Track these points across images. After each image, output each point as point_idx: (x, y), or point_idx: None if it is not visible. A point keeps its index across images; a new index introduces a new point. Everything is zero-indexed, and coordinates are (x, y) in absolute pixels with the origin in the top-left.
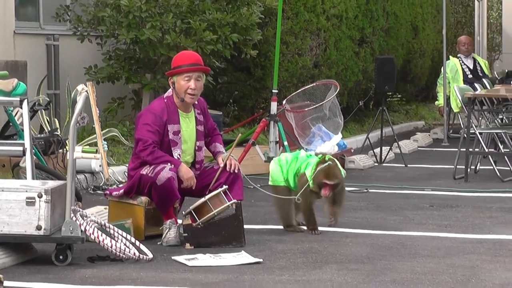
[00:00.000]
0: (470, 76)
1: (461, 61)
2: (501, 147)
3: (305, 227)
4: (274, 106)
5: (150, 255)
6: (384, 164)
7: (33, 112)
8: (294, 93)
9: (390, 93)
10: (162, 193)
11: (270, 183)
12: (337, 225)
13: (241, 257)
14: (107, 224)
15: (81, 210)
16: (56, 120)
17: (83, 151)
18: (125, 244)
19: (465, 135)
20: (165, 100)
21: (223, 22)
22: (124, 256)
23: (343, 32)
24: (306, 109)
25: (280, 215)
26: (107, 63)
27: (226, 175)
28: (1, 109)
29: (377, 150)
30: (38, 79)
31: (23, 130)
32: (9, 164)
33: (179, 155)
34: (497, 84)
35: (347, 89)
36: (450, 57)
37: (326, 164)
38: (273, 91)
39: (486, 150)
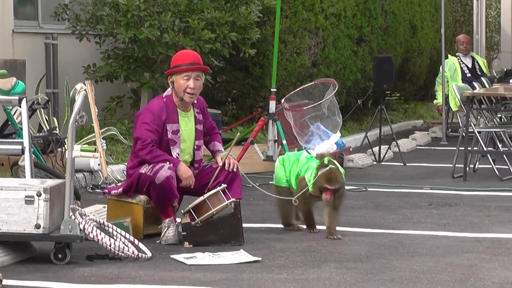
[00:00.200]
0: (468, 75)
1: (459, 60)
2: (499, 146)
3: (304, 226)
4: (272, 105)
5: (149, 254)
6: (382, 163)
7: (31, 111)
8: (292, 92)
9: (389, 92)
10: (161, 192)
11: (273, 182)
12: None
13: (240, 256)
14: (106, 223)
15: (80, 208)
16: (54, 119)
17: (81, 150)
18: (124, 243)
19: (464, 134)
20: (164, 99)
21: (222, 21)
22: (123, 254)
23: (342, 31)
24: (305, 107)
25: (280, 214)
26: (105, 62)
27: (225, 174)
28: (0, 108)
29: (376, 149)
30: (37, 78)
31: (21, 129)
32: (8, 163)
33: (178, 154)
34: (496, 83)
35: (346, 88)
36: (449, 56)
37: (327, 168)
38: (272, 90)
39: (485, 149)
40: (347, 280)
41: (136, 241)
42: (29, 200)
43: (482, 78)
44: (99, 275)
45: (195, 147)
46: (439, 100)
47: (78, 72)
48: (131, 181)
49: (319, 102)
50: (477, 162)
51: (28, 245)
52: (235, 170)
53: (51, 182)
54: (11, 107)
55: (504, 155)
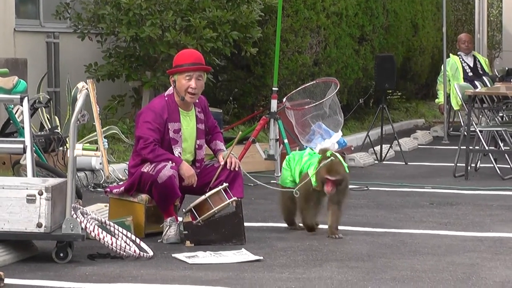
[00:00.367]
0: (470, 74)
1: (461, 59)
2: (501, 145)
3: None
4: (274, 104)
5: (151, 253)
6: (384, 162)
7: (33, 110)
8: (294, 91)
9: (390, 91)
10: (163, 191)
11: (279, 182)
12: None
13: (242, 255)
14: (107, 222)
15: (81, 207)
16: (56, 117)
17: (83, 149)
18: (125, 242)
19: (466, 133)
20: (166, 98)
21: (223, 20)
22: (124, 253)
23: (343, 30)
24: (306, 106)
25: (283, 212)
26: (107, 60)
27: (227, 173)
28: (1, 106)
29: (377, 148)
30: (39, 76)
31: (23, 128)
32: (9, 162)
33: (180, 153)
34: (497, 82)
35: (347, 87)
36: (450, 55)
37: (329, 160)
38: (273, 88)
39: (487, 148)
40: (348, 279)
41: (137, 240)
42: (30, 199)
43: (484, 77)
44: (100, 274)
45: (197, 146)
46: (440, 99)
47: (80, 71)
48: (133, 180)
49: (320, 101)
50: (479, 161)
51: (29, 244)
52: (236, 169)
53: (52, 181)
54: (12, 106)
55: (506, 154)
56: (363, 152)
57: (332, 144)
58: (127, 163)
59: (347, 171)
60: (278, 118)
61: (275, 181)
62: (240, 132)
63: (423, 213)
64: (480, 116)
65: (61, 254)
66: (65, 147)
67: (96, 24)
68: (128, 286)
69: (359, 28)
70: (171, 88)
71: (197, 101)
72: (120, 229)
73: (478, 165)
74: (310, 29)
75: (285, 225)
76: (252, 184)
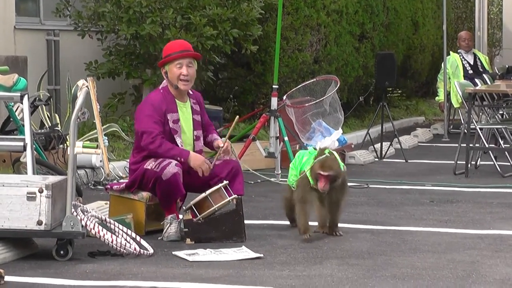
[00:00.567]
0: (470, 71)
1: (461, 57)
2: (501, 142)
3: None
4: (274, 102)
5: (151, 250)
6: (384, 160)
7: (33, 108)
8: (294, 89)
9: (390, 89)
10: (167, 188)
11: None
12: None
13: (242, 252)
14: (107, 219)
15: (81, 205)
16: (56, 115)
17: (83, 147)
18: (125, 239)
19: (466, 131)
20: (161, 91)
21: (224, 18)
22: (124, 251)
23: (344, 27)
24: (307, 104)
25: (285, 209)
26: (107, 58)
27: (227, 171)
28: (1, 104)
29: (378, 146)
30: (39, 74)
31: (23, 126)
32: (9, 159)
33: (181, 143)
34: (498, 79)
35: (348, 85)
36: (451, 52)
37: (324, 156)
38: (274, 86)
39: (487, 145)
40: (349, 276)
41: (138, 238)
42: (31, 197)
43: (484, 75)
44: (101, 271)
45: (194, 137)
46: (440, 97)
47: (80, 69)
48: (135, 177)
49: (321, 99)
50: (479, 159)
51: (30, 242)
52: (230, 156)
53: (53, 178)
54: (13, 103)
55: (506, 152)
56: (363, 150)
57: (332, 142)
58: (128, 160)
59: (343, 169)
60: (278, 116)
61: (275, 179)
62: (238, 117)
63: (423, 211)
64: (480, 113)
65: (62, 252)
66: (65, 144)
67: (96, 22)
68: (129, 283)
69: (359, 26)
70: (164, 81)
71: (191, 93)
72: (121, 226)
73: (478, 163)
74: (310, 27)
75: (286, 222)
76: (252, 182)
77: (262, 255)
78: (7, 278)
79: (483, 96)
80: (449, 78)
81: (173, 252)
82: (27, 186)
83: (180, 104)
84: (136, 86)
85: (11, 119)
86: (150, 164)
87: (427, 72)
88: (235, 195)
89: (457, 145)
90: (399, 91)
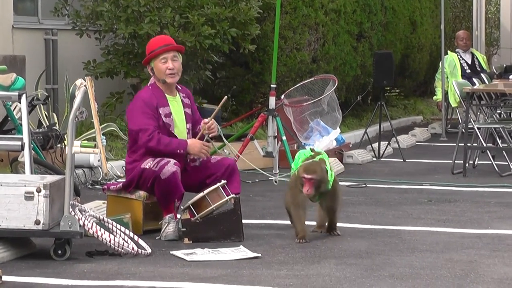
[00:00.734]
0: (468, 71)
1: (459, 56)
2: (499, 142)
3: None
4: (272, 101)
5: (149, 250)
6: (382, 159)
7: (31, 107)
8: (292, 88)
9: (388, 88)
10: (166, 187)
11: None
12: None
13: (240, 252)
14: (105, 219)
15: (79, 204)
16: (54, 114)
17: (81, 146)
18: (123, 239)
19: (463, 130)
20: (150, 88)
21: (222, 17)
22: (122, 250)
23: (342, 26)
24: (305, 103)
25: (287, 208)
26: (105, 57)
27: (223, 169)
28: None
29: (375, 145)
30: (37, 73)
31: (21, 125)
32: (7, 159)
33: (176, 136)
34: (495, 79)
35: (346, 84)
36: (448, 51)
37: (311, 160)
38: (272, 85)
39: (485, 145)
40: (347, 276)
41: (135, 237)
42: (28, 196)
43: (482, 74)
44: (98, 271)
45: (187, 130)
46: (438, 96)
47: (78, 68)
48: (132, 177)
49: (319, 98)
50: (477, 158)
51: (27, 241)
52: (214, 132)
53: (50, 178)
54: (10, 103)
55: (504, 151)
56: (361, 149)
57: (330, 141)
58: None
59: (331, 176)
60: (276, 115)
61: (272, 178)
62: (226, 97)
63: (421, 210)
64: (478, 113)
65: (59, 251)
66: (63, 144)
67: (95, 21)
68: (126, 283)
69: (357, 25)
70: (152, 78)
71: (179, 88)
72: (118, 226)
73: (476, 162)
74: (308, 26)
75: (283, 222)
76: (250, 181)
77: (260, 254)
78: (5, 278)
79: (481, 95)
80: (447, 77)
81: (171, 252)
82: (25, 186)
83: (170, 98)
84: (134, 86)
85: (9, 118)
86: (148, 164)
87: (425, 72)
88: (233, 195)
89: (455, 144)
90: (397, 91)
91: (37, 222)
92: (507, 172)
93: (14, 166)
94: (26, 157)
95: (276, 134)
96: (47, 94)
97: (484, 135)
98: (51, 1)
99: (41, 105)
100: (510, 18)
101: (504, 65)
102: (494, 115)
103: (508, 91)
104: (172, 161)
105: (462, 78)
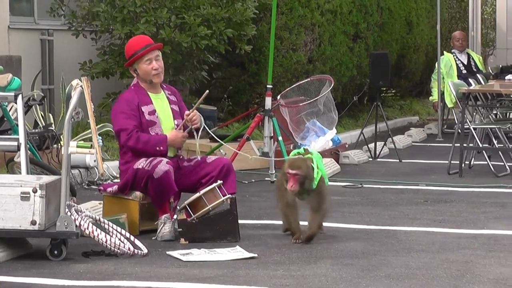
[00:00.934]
0: (464, 71)
1: (455, 57)
2: (495, 142)
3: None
4: (268, 101)
5: (145, 250)
6: (378, 159)
7: (27, 107)
8: (288, 88)
9: (384, 88)
10: (159, 186)
11: None
12: (316, 234)
13: (236, 252)
14: (101, 219)
15: (75, 205)
16: (50, 115)
17: (77, 146)
18: (119, 239)
19: (460, 131)
20: (133, 88)
21: (218, 17)
22: (118, 251)
23: (338, 27)
24: (301, 104)
25: (282, 218)
26: (101, 58)
27: (219, 169)
28: None
29: (372, 145)
30: (33, 74)
31: (17, 125)
32: (3, 159)
33: (159, 134)
34: (491, 79)
35: (342, 84)
36: (444, 52)
37: (296, 156)
38: (268, 86)
39: (481, 145)
40: (343, 276)
41: (132, 238)
42: (25, 197)
43: (478, 75)
44: (95, 271)
45: (175, 126)
46: (434, 96)
47: (74, 69)
48: (126, 179)
49: (315, 99)
50: (473, 159)
51: (24, 242)
52: (197, 124)
53: (47, 178)
54: (6, 103)
55: (500, 152)
56: (357, 150)
57: (326, 142)
58: None
59: (317, 175)
60: (272, 116)
61: (269, 179)
62: (207, 91)
63: (417, 211)
64: (474, 113)
65: (55, 252)
66: (59, 144)
67: (91, 22)
68: (123, 283)
69: (353, 26)
70: (134, 79)
71: (164, 86)
72: (115, 226)
73: (472, 163)
74: (304, 26)
75: (280, 222)
76: (246, 182)
77: (256, 255)
78: (1, 278)
79: (477, 96)
80: (443, 78)
81: (167, 252)
82: (21, 186)
83: (153, 95)
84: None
85: (5, 118)
86: (141, 164)
87: (421, 72)
88: (229, 195)
89: (451, 145)
90: (393, 91)
91: (33, 223)
92: (503, 172)
93: (10, 166)
94: (22, 158)
95: (272, 135)
96: (43, 95)
97: (480, 135)
98: (47, 1)
99: (37, 105)
100: (506, 19)
101: (500, 66)
102: (490, 116)
103: (504, 91)
104: (165, 160)
105: (458, 79)
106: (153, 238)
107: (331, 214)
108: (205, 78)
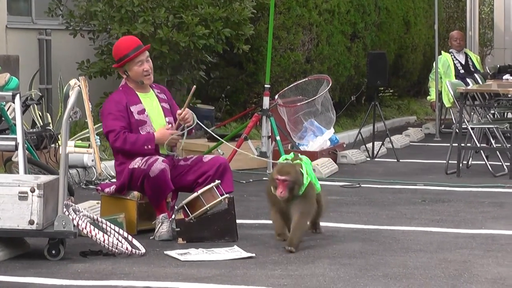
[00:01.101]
0: (462, 71)
1: (453, 56)
2: (493, 142)
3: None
4: (266, 101)
5: (143, 250)
6: (376, 159)
7: (25, 107)
8: (286, 88)
9: (382, 88)
10: (155, 185)
11: None
12: (295, 248)
13: (234, 252)
14: (99, 219)
15: (73, 204)
16: (48, 114)
17: (75, 146)
18: (117, 239)
19: (457, 130)
20: (121, 88)
21: (216, 17)
22: (116, 250)
23: (335, 27)
24: (299, 104)
25: (273, 223)
26: (99, 58)
27: (215, 168)
28: None
29: (369, 145)
30: (30, 73)
31: (15, 125)
32: (1, 159)
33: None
34: (489, 79)
35: (339, 84)
36: (442, 52)
37: (285, 162)
38: (266, 85)
39: (478, 145)
40: (340, 276)
41: (129, 237)
42: (22, 196)
43: (476, 75)
44: (92, 271)
45: (167, 124)
46: (432, 96)
47: (72, 68)
48: (123, 180)
49: (312, 98)
50: (471, 159)
51: (21, 241)
52: (190, 122)
53: (44, 178)
54: (4, 102)
55: (497, 151)
56: (355, 149)
57: (324, 141)
58: None
59: (306, 180)
60: (270, 115)
61: (267, 179)
62: (194, 86)
63: (415, 210)
64: (472, 113)
65: (53, 251)
66: (57, 144)
67: (88, 21)
68: (120, 283)
69: (351, 25)
70: (123, 80)
71: (153, 85)
72: (112, 226)
73: (469, 162)
74: (302, 26)
75: None
76: (244, 181)
77: (254, 254)
78: None
79: (474, 95)
80: (441, 77)
81: (165, 252)
82: (19, 186)
83: (142, 95)
84: None
85: (3, 118)
86: (136, 163)
87: (419, 72)
88: (227, 195)
89: (448, 144)
90: (390, 91)
91: (31, 222)
92: (501, 172)
93: (8, 166)
94: (20, 157)
95: (270, 134)
96: (41, 94)
97: (478, 135)
98: (45, 1)
99: (35, 105)
100: (504, 18)
101: (498, 66)
102: (487, 115)
103: (501, 91)
104: (161, 158)
105: (456, 78)
106: (151, 237)
107: (329, 214)
108: (203, 77)
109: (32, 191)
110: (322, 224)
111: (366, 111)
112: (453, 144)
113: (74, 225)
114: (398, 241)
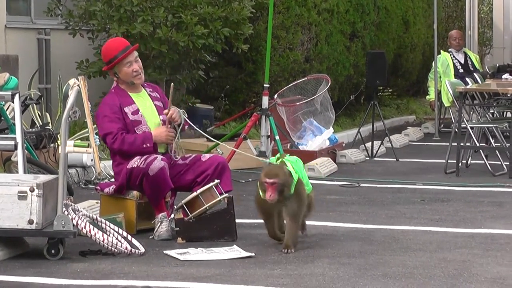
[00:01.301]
0: (461, 70)
1: (452, 56)
2: (492, 141)
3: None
4: (265, 101)
5: (142, 249)
6: (375, 159)
7: (24, 106)
8: (285, 88)
9: (381, 88)
10: (154, 183)
11: None
12: (292, 248)
13: (233, 251)
14: (99, 218)
15: (73, 204)
16: (47, 114)
17: (74, 146)
18: (117, 238)
19: (456, 130)
20: (113, 91)
21: (215, 16)
22: (116, 250)
23: (334, 26)
24: (298, 103)
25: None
26: (98, 57)
27: (214, 167)
28: None
29: (369, 145)
30: (30, 73)
31: (14, 124)
32: (0, 158)
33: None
34: (488, 78)
35: (338, 84)
36: (441, 51)
37: (271, 164)
38: (265, 85)
39: (478, 144)
40: (340, 275)
41: (129, 237)
42: (22, 196)
43: (475, 74)
44: (92, 270)
45: (162, 122)
46: (431, 95)
47: (71, 68)
48: (122, 180)
49: (312, 98)
50: (470, 158)
51: (21, 241)
52: (177, 121)
53: (44, 177)
54: (3, 102)
55: (497, 151)
56: (354, 149)
57: (323, 141)
58: None
59: (295, 179)
60: (269, 115)
61: None
62: (172, 84)
63: (414, 210)
64: (471, 112)
65: (53, 251)
66: (56, 143)
67: (88, 21)
68: (120, 282)
69: (350, 25)
70: (114, 82)
71: (145, 84)
72: (112, 225)
73: (469, 162)
74: (301, 25)
75: None
76: (243, 181)
77: (253, 254)
78: None
79: (474, 95)
80: (440, 77)
81: (165, 251)
82: (18, 185)
83: (134, 95)
84: None
85: (2, 118)
86: (135, 162)
87: (418, 71)
88: (227, 194)
89: (448, 144)
90: (390, 90)
91: (30, 222)
92: (500, 171)
93: (7, 165)
94: (19, 157)
95: (269, 134)
96: (40, 94)
97: (477, 134)
98: (44, 1)
99: (34, 104)
100: (503, 17)
101: (497, 65)
102: (487, 115)
103: (501, 90)
104: (159, 156)
105: (455, 78)
106: (150, 237)
107: (328, 214)
108: (202, 77)
109: (32, 190)
110: (321, 223)
111: (365, 111)
112: (453, 144)
113: (73, 225)
114: (398, 241)
